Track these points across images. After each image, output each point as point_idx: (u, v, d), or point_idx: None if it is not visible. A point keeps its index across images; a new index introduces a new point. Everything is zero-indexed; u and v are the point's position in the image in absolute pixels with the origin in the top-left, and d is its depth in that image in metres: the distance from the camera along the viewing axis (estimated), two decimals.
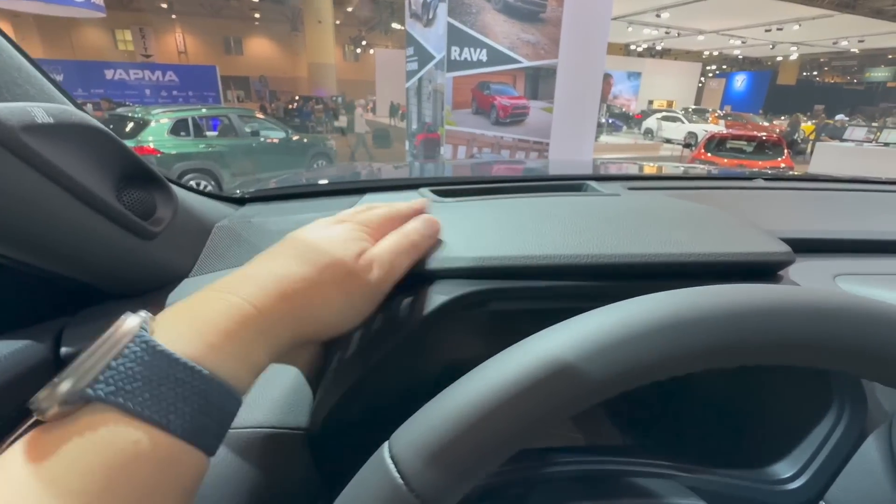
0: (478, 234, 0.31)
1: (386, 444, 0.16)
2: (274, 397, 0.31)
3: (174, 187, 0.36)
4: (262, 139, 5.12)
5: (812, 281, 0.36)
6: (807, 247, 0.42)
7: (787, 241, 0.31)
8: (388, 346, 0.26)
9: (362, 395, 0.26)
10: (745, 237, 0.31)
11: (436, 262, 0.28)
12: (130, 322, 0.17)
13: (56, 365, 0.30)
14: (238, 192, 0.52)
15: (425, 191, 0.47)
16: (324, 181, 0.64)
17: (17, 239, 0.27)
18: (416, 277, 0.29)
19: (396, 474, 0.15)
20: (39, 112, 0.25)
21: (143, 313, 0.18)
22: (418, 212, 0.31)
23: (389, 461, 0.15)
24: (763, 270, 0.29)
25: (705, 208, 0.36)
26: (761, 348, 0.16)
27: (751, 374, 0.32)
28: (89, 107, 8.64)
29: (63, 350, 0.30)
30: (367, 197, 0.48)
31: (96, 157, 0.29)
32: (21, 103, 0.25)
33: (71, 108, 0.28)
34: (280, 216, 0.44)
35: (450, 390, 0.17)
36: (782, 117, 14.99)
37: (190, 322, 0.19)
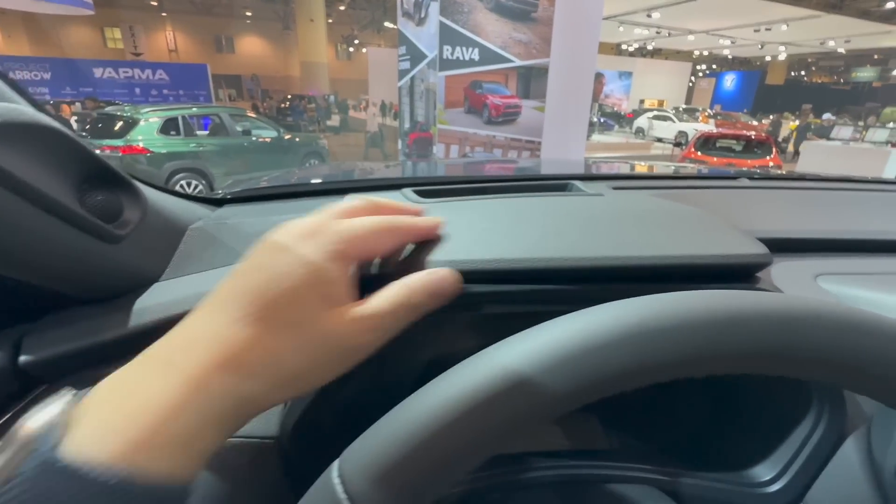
0: (455, 237, 0.30)
1: (336, 463, 0.15)
2: None
3: (145, 188, 0.35)
4: (253, 138, 5.08)
5: (793, 281, 0.36)
6: (789, 246, 0.42)
7: (769, 241, 0.30)
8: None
9: (334, 402, 0.25)
10: (723, 239, 0.30)
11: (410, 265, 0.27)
12: (33, 424, 0.15)
13: (14, 375, 0.29)
14: (220, 192, 0.51)
15: (408, 191, 0.47)
16: (307, 181, 0.64)
17: None
18: (388, 280, 0.29)
19: (343, 495, 0.14)
20: None
21: (62, 402, 0.16)
22: (424, 230, 0.27)
23: (336, 480, 0.15)
24: (741, 272, 0.29)
25: (687, 209, 0.36)
26: (724, 358, 0.16)
27: (729, 376, 0.33)
28: (77, 105, 8.51)
29: (22, 359, 0.29)
30: (349, 198, 0.48)
31: (53, 158, 0.28)
32: None
33: (21, 106, 0.27)
34: (257, 217, 0.43)
35: (402, 406, 0.16)
36: (771, 116, 15.17)
37: (117, 409, 0.16)
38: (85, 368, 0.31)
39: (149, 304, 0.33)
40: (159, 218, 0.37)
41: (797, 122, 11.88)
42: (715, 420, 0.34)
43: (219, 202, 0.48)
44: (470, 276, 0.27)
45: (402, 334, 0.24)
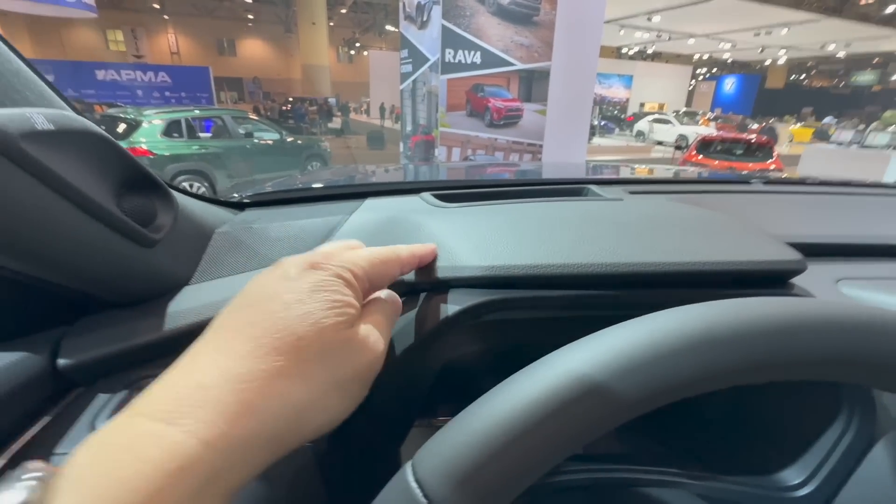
0: (487, 241, 0.30)
1: (408, 466, 0.16)
2: None
3: (174, 193, 0.35)
4: (255, 140, 5.10)
5: (815, 285, 0.36)
6: (808, 251, 0.42)
7: (791, 246, 0.31)
8: (395, 356, 0.26)
9: (367, 404, 0.26)
10: (756, 245, 0.30)
11: (446, 270, 0.28)
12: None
13: (53, 376, 0.29)
14: (237, 195, 0.51)
15: (427, 195, 0.47)
16: (322, 185, 0.64)
17: (16, 249, 0.26)
18: (425, 286, 0.28)
19: (423, 500, 0.14)
20: (39, 118, 0.25)
21: (34, 478, 0.14)
22: (422, 257, 0.27)
23: (414, 484, 0.15)
24: (776, 278, 0.29)
25: (713, 214, 0.36)
26: (797, 364, 0.16)
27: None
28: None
29: (60, 362, 0.29)
30: (368, 202, 0.47)
31: (96, 163, 0.29)
32: (20, 109, 0.24)
33: (71, 113, 0.28)
34: (281, 221, 0.44)
35: (474, 409, 0.16)
36: (771, 120, 15.20)
37: (98, 485, 0.13)
38: (117, 372, 0.31)
39: (181, 308, 0.33)
40: (188, 222, 0.37)
41: (800, 125, 11.87)
42: (744, 424, 0.34)
43: (240, 206, 0.49)
44: (510, 281, 0.27)
45: (439, 340, 0.25)
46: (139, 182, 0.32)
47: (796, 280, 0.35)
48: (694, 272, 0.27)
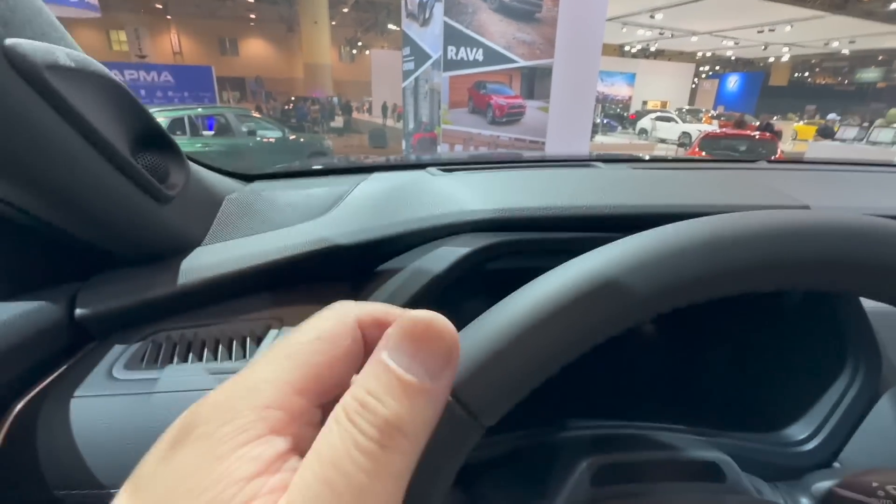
0: (492, 192, 0.31)
1: None
2: None
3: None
4: (258, 138, 5.12)
5: None
6: None
7: None
8: (402, 304, 0.27)
9: None
10: (762, 194, 0.31)
11: (456, 216, 0.28)
12: None
13: (70, 327, 0.30)
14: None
15: (433, 169, 0.48)
16: (330, 164, 0.65)
17: (35, 184, 0.26)
18: (432, 231, 0.28)
19: (457, 405, 0.14)
20: (62, 54, 0.24)
21: None
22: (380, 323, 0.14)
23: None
24: None
25: (716, 173, 0.37)
26: (798, 268, 0.16)
27: (766, 332, 0.33)
28: None
29: (78, 312, 0.30)
30: (375, 176, 0.48)
31: (115, 111, 0.28)
32: (44, 43, 0.24)
33: (91, 59, 0.27)
34: (289, 190, 0.44)
35: (494, 309, 0.16)
36: (775, 117, 15.11)
37: None
38: (132, 326, 0.32)
39: (194, 265, 0.34)
40: (200, 186, 0.38)
41: (804, 123, 11.82)
42: (749, 380, 0.35)
43: (248, 178, 0.50)
44: (519, 223, 0.27)
45: (448, 286, 0.24)
46: (154, 138, 0.32)
47: None
48: (702, 213, 0.28)
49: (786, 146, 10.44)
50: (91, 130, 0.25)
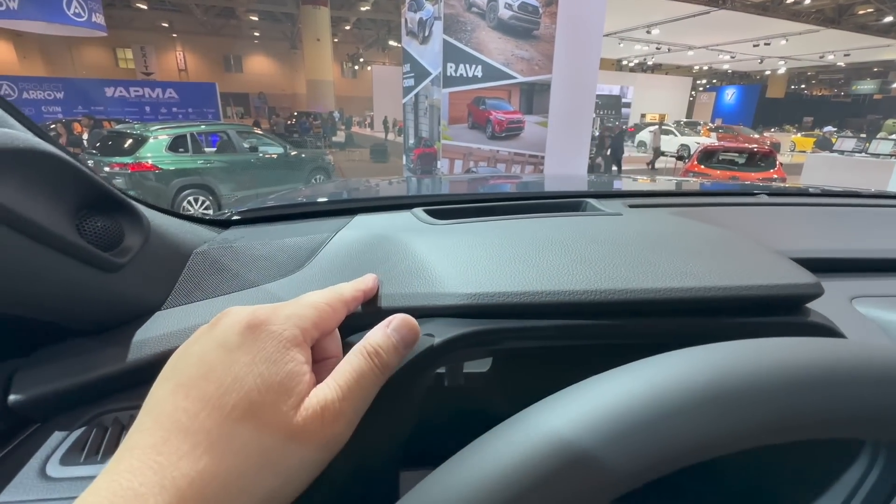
0: (473, 264, 0.28)
1: None
2: None
3: (149, 211, 0.33)
4: (260, 154, 5.16)
5: (829, 305, 0.33)
6: (818, 267, 0.39)
7: (800, 262, 0.28)
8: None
9: (344, 455, 0.23)
10: (767, 266, 0.28)
11: (425, 297, 0.26)
12: None
13: (2, 414, 0.27)
14: (226, 212, 0.49)
15: (419, 211, 0.45)
16: (311, 201, 0.61)
17: None
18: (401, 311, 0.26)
19: None
20: None
21: None
22: (364, 293, 0.25)
23: None
24: (790, 304, 0.27)
25: (718, 231, 0.33)
26: (826, 423, 0.13)
27: None
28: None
29: (11, 398, 0.27)
30: (357, 220, 0.46)
31: (49, 185, 0.26)
32: None
33: (15, 131, 0.25)
34: (264, 239, 0.41)
35: (437, 475, 0.14)
36: (773, 129, 15.23)
37: None
38: (79, 406, 0.29)
39: (149, 336, 0.31)
40: (162, 242, 0.35)
41: (801, 135, 11.88)
42: (753, 464, 0.31)
43: (224, 224, 0.47)
44: (495, 310, 0.24)
45: (417, 376, 0.22)
46: (103, 202, 0.30)
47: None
48: (699, 298, 0.25)
49: (784, 158, 10.49)
50: (16, 218, 0.24)
